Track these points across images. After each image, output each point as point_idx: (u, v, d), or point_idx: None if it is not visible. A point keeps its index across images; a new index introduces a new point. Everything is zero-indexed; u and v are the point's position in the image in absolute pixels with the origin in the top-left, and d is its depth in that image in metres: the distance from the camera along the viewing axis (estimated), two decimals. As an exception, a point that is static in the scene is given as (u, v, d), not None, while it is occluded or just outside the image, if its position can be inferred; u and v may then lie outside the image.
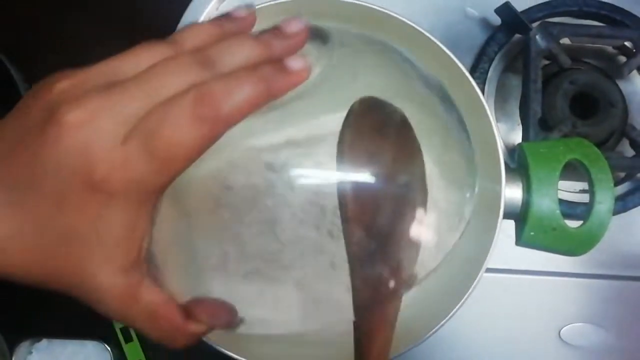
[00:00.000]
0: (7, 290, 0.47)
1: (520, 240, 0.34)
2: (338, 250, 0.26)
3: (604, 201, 0.33)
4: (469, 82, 0.35)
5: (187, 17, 0.46)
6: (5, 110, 0.20)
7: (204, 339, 0.32)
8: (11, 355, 0.46)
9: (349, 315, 0.27)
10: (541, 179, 0.33)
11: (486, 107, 0.34)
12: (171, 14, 0.47)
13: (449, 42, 0.35)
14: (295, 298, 0.29)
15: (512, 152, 0.43)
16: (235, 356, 0.32)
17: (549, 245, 0.33)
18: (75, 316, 0.48)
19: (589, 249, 0.33)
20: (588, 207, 0.33)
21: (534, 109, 0.40)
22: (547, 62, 0.43)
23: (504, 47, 0.44)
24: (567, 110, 0.41)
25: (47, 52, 0.50)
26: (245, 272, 0.28)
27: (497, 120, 0.44)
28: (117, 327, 0.48)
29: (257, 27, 0.23)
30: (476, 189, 0.31)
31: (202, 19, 0.46)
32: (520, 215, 0.34)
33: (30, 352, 0.47)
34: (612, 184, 0.33)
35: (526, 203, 0.33)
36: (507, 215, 0.33)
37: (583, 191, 0.43)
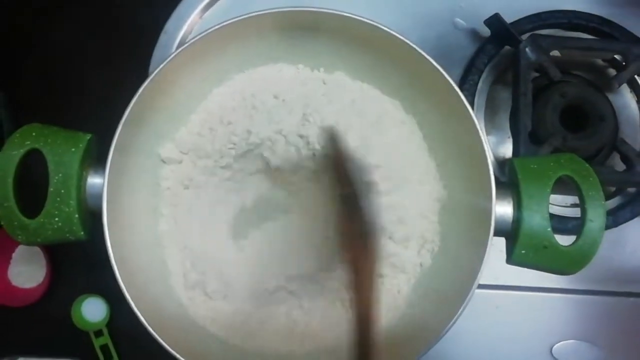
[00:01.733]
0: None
1: (511, 259, 0.33)
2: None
3: (596, 219, 0.32)
4: (458, 95, 0.34)
5: (169, 27, 0.45)
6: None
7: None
8: (-15, 376, 0.45)
9: None
10: (532, 195, 0.32)
11: (477, 123, 0.33)
12: (154, 23, 0.46)
13: (439, 54, 0.35)
14: None
15: (502, 165, 0.43)
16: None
17: (541, 264, 0.33)
18: (53, 333, 0.47)
19: (580, 267, 0.32)
20: (580, 225, 0.32)
21: (524, 122, 0.39)
22: (537, 74, 0.43)
23: (494, 59, 0.43)
24: (558, 124, 0.41)
25: (26, 58, 0.49)
26: None
27: (487, 132, 0.43)
28: (97, 345, 0.46)
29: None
30: None
31: (185, 28, 0.45)
32: (511, 233, 0.33)
33: (5, 372, 0.45)
34: (603, 202, 0.32)
35: (517, 220, 0.32)
36: (497, 233, 0.33)
37: (574, 205, 0.43)
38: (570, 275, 0.42)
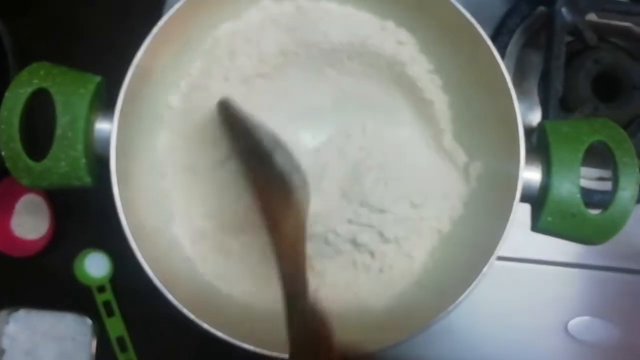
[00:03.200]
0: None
1: (536, 226, 0.31)
2: None
3: (628, 187, 0.30)
4: (491, 53, 0.32)
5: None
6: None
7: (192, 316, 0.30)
8: (-14, 325, 0.44)
9: None
10: (563, 160, 0.31)
11: (508, 80, 0.31)
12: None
13: (468, 11, 0.33)
14: None
15: (530, 133, 0.41)
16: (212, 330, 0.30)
17: (567, 232, 0.31)
18: (55, 287, 0.46)
19: (608, 237, 0.31)
20: (611, 192, 0.30)
21: (555, 87, 0.37)
22: (570, 39, 0.41)
23: (526, 20, 0.41)
24: (589, 91, 0.39)
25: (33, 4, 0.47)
26: None
27: (514, 99, 0.42)
28: (99, 300, 0.45)
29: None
30: None
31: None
32: (537, 199, 0.31)
33: (7, 322, 0.44)
34: (637, 169, 0.31)
35: (545, 186, 0.31)
36: (524, 199, 0.31)
37: (601, 179, 0.41)
38: (591, 251, 0.41)
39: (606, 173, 0.41)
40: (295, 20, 0.35)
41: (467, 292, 0.30)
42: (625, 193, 0.30)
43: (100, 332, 0.45)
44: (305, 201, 0.28)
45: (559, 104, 0.38)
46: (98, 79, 0.32)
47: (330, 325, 0.20)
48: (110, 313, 0.45)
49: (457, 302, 0.30)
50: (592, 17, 0.40)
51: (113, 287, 0.46)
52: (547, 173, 0.31)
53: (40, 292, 0.46)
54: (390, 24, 0.35)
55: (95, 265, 0.45)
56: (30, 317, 0.44)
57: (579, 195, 0.30)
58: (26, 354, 0.44)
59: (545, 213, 0.31)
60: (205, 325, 0.30)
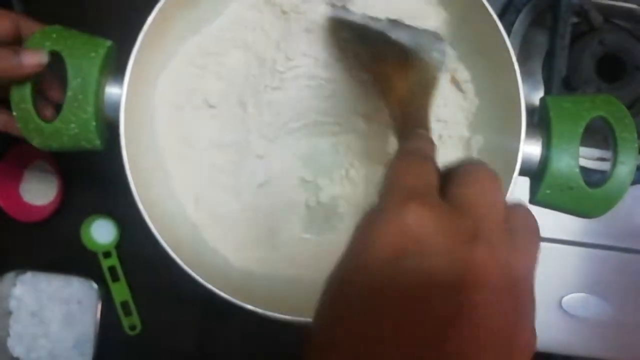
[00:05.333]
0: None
1: (534, 199, 0.32)
2: None
3: (627, 161, 0.31)
4: (497, 28, 0.32)
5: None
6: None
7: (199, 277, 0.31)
8: (-6, 286, 0.45)
9: None
10: (563, 134, 0.31)
11: (513, 56, 0.32)
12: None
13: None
14: None
15: (531, 112, 0.41)
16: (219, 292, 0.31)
17: (565, 205, 0.32)
18: (62, 252, 0.47)
19: (605, 211, 0.31)
20: (610, 166, 0.31)
21: (559, 66, 0.38)
22: (576, 20, 0.41)
23: (533, -1, 0.41)
24: (593, 72, 0.39)
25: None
26: None
27: (517, 78, 0.42)
28: (105, 266, 0.46)
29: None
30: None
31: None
32: (536, 172, 0.32)
33: (15, 285, 0.45)
34: (636, 145, 0.31)
35: (544, 159, 0.31)
36: (523, 172, 0.32)
37: (600, 159, 0.41)
38: (586, 228, 0.42)
39: (605, 153, 0.41)
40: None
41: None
42: (624, 167, 0.31)
43: (105, 297, 0.46)
44: (436, 63, 0.28)
45: (562, 84, 0.38)
46: (109, 43, 0.32)
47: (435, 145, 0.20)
48: (115, 278, 0.46)
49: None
50: (598, -2, 0.41)
51: (118, 253, 0.47)
52: (547, 146, 0.31)
53: (48, 256, 0.47)
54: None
55: (101, 232, 0.46)
56: (37, 279, 0.45)
57: (577, 169, 0.31)
58: (32, 316, 0.46)
59: (544, 186, 0.31)
60: (209, 286, 0.31)
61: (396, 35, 0.29)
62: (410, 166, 0.18)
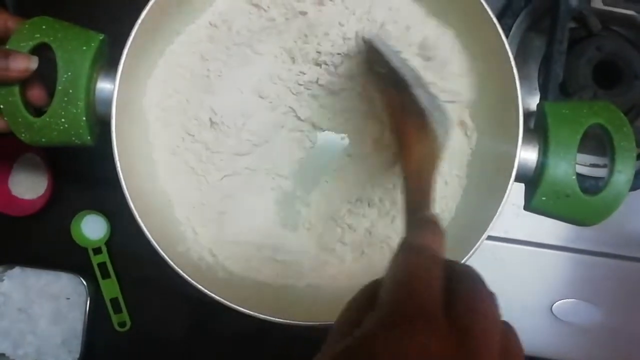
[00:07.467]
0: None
1: (529, 205, 0.32)
2: None
3: (624, 170, 0.31)
4: (497, 31, 0.32)
5: None
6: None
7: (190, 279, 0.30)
8: (-20, 281, 0.44)
9: None
10: (560, 141, 0.31)
11: (512, 59, 0.31)
12: None
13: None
14: None
15: (528, 117, 0.41)
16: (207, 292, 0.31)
17: (560, 213, 0.32)
18: (52, 247, 0.47)
19: (601, 219, 0.31)
20: (607, 175, 0.31)
21: (556, 71, 0.38)
22: (574, 26, 0.41)
23: (532, 3, 0.41)
24: (590, 78, 0.39)
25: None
26: None
27: (514, 82, 0.42)
28: (95, 262, 0.46)
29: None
30: None
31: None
32: (532, 178, 0.32)
33: (2, 280, 0.45)
34: (634, 154, 0.31)
35: (541, 165, 0.31)
36: (519, 178, 0.31)
37: (594, 165, 0.41)
38: (580, 235, 0.42)
39: (599, 160, 0.41)
40: None
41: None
42: (621, 176, 0.30)
43: (94, 293, 0.45)
44: (441, 139, 0.28)
45: (558, 89, 0.38)
46: (101, 36, 0.32)
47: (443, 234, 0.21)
48: (105, 275, 0.46)
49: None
50: (597, 3, 0.40)
51: (109, 250, 0.46)
52: (544, 153, 0.31)
53: (37, 251, 0.46)
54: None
55: (92, 227, 0.46)
56: (25, 275, 0.45)
57: (574, 177, 0.31)
58: (20, 311, 0.45)
59: (540, 192, 0.31)
60: (197, 285, 0.31)
61: (418, 93, 0.28)
62: (419, 270, 0.18)
